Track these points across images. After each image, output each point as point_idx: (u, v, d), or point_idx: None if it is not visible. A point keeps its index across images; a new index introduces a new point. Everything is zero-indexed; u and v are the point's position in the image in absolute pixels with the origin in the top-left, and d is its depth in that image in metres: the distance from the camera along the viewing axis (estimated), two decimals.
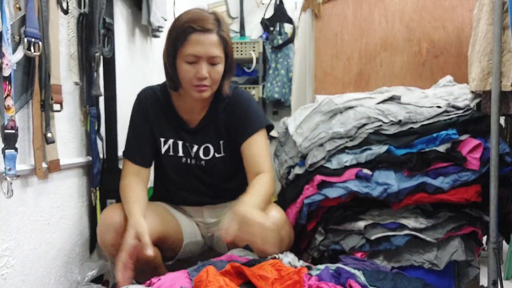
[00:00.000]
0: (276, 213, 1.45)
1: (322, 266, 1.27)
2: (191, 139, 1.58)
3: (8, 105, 1.09)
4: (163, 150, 1.58)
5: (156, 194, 1.70)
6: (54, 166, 1.37)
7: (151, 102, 1.58)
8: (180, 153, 1.58)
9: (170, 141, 1.58)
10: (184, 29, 1.42)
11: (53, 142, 1.33)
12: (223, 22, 1.48)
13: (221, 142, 1.58)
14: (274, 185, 1.55)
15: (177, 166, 1.60)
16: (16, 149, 1.12)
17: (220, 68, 1.47)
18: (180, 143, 1.58)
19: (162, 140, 1.58)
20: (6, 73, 1.08)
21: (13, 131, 1.11)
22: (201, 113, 1.58)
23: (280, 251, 1.34)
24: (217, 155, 1.58)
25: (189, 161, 1.59)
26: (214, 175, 1.60)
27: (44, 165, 1.33)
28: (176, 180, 1.61)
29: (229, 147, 1.58)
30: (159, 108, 1.58)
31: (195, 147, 1.58)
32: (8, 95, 1.09)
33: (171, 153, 1.58)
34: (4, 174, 1.09)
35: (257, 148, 1.53)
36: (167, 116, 1.58)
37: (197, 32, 1.41)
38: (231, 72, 1.56)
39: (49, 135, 1.32)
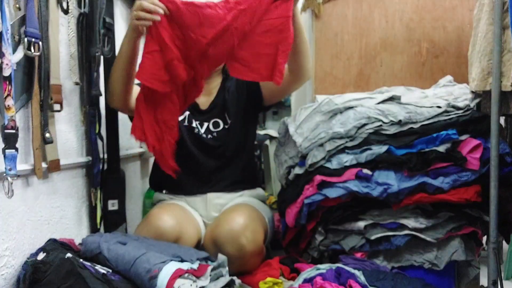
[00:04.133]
0: (239, 218, 1.51)
1: (324, 266, 1.27)
2: (202, 118, 1.74)
3: (8, 105, 1.09)
4: (180, 118, 1.68)
5: (158, 181, 1.78)
6: (54, 166, 1.37)
7: None
8: (193, 124, 1.73)
9: (186, 113, 1.72)
10: None
11: (51, 142, 1.33)
12: None
13: (225, 114, 1.73)
14: None
15: (190, 136, 1.71)
16: (16, 149, 1.11)
17: None
18: (193, 119, 1.74)
19: None
20: (6, 73, 1.08)
21: (14, 131, 1.11)
22: (211, 95, 1.74)
23: (240, 257, 1.43)
24: (226, 126, 1.73)
25: (200, 133, 1.72)
26: (223, 146, 1.73)
27: (44, 165, 1.32)
28: (189, 151, 1.70)
29: (235, 114, 1.73)
30: None
31: (205, 124, 1.73)
32: (8, 95, 1.08)
33: (186, 123, 1.72)
34: (4, 174, 1.09)
35: None
36: None
37: None
38: None
39: (47, 135, 1.31)
